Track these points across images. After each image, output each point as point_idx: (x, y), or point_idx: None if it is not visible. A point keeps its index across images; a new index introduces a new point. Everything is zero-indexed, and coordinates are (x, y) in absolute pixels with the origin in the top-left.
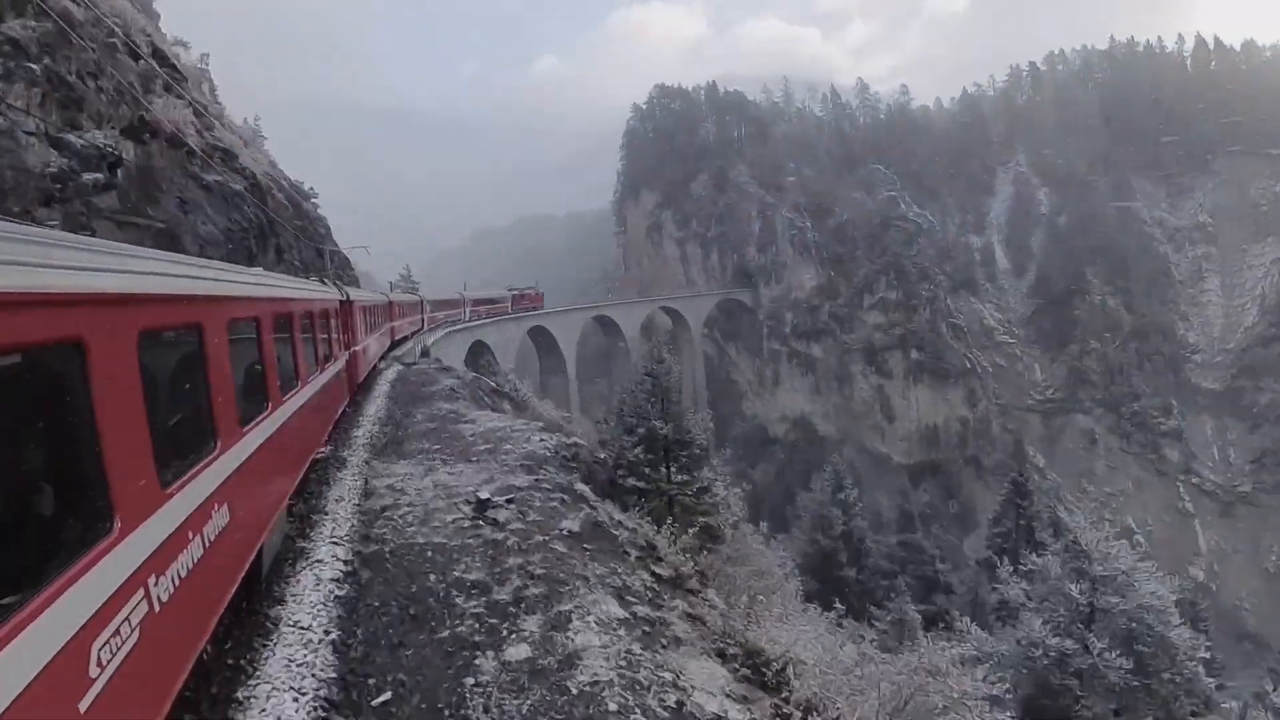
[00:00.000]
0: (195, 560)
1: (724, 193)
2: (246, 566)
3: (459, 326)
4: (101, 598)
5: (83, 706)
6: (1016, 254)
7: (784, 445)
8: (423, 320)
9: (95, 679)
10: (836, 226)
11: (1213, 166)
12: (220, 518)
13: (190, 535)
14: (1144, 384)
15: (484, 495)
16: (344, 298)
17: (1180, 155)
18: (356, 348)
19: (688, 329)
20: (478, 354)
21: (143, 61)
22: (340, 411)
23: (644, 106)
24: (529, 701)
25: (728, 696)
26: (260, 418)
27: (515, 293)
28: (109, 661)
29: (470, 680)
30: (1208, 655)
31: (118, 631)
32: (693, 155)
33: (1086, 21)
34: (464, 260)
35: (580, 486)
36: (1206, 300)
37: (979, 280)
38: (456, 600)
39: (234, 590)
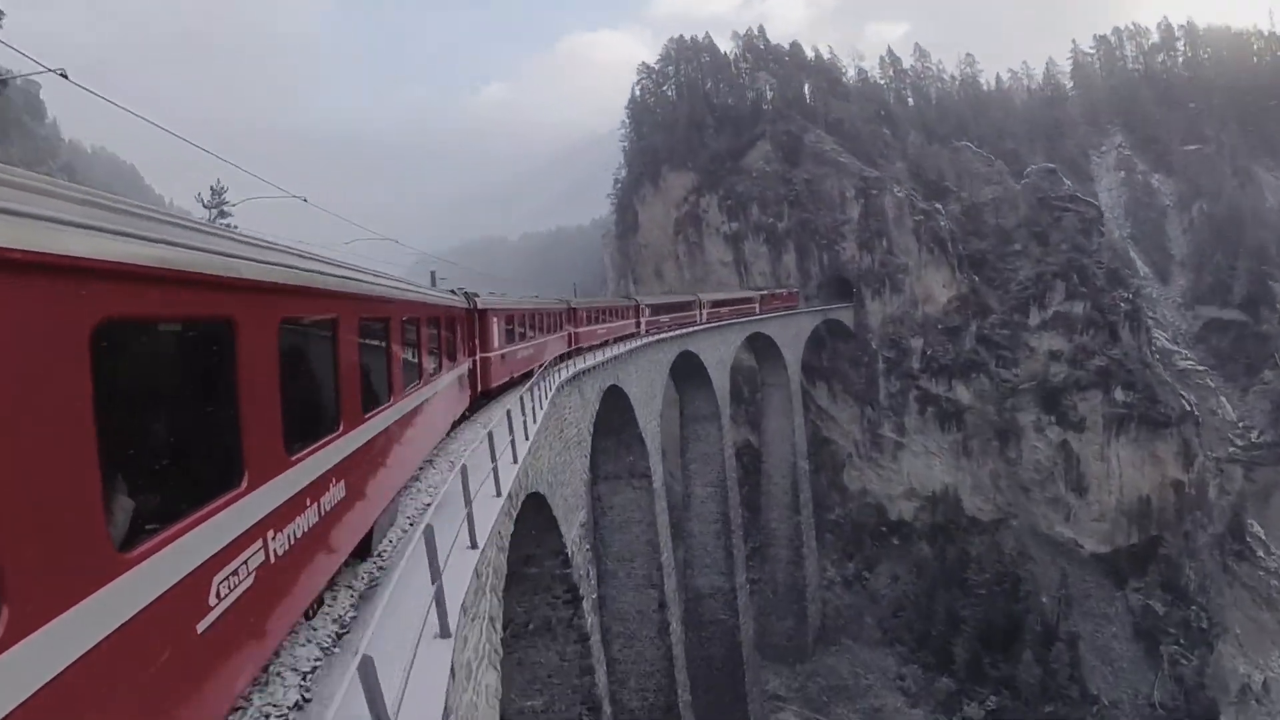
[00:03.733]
0: (310, 525)
1: (798, 165)
2: (356, 542)
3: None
4: (225, 539)
5: (200, 628)
6: (1154, 254)
7: (916, 533)
8: (638, 324)
9: (213, 607)
10: (967, 211)
11: None
12: (337, 491)
13: (308, 502)
14: None
15: None
16: (469, 305)
17: None
18: (488, 354)
19: (780, 366)
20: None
21: None
22: (459, 415)
23: (656, 67)
24: None
25: None
26: (381, 407)
27: (766, 292)
28: (226, 595)
29: None
30: None
31: (236, 572)
32: (746, 119)
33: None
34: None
35: None
36: None
37: None
38: None
39: (342, 560)
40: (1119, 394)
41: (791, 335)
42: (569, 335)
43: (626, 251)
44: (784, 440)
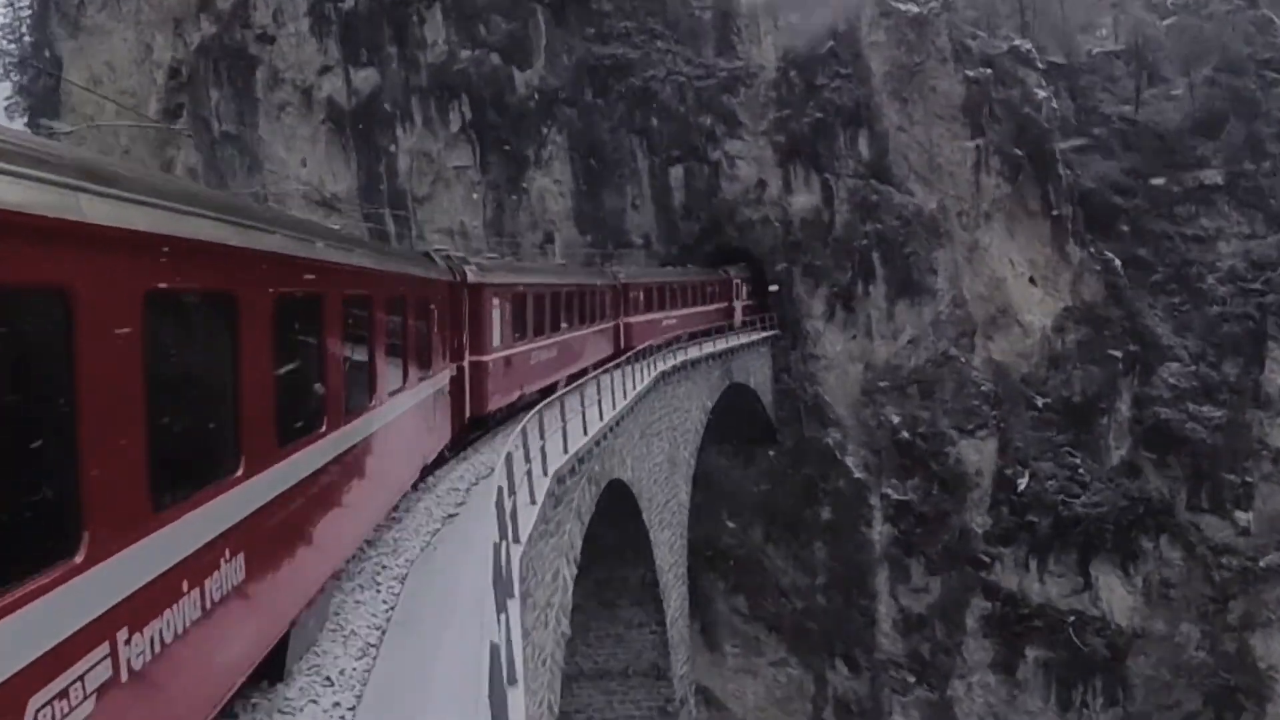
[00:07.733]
0: (188, 623)
1: None
2: (264, 652)
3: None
4: (48, 641)
5: None
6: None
7: None
8: (731, 312)
9: None
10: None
11: None
12: (233, 570)
13: (185, 585)
14: None
15: None
16: (455, 277)
17: None
18: (483, 356)
19: (650, 559)
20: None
21: None
22: (434, 455)
23: None
24: None
25: None
26: (305, 440)
27: None
28: None
29: None
30: None
31: (65, 693)
32: None
33: None
34: None
35: None
36: None
37: None
38: None
39: (238, 684)
40: None
41: (662, 463)
42: (616, 328)
43: None
44: None
